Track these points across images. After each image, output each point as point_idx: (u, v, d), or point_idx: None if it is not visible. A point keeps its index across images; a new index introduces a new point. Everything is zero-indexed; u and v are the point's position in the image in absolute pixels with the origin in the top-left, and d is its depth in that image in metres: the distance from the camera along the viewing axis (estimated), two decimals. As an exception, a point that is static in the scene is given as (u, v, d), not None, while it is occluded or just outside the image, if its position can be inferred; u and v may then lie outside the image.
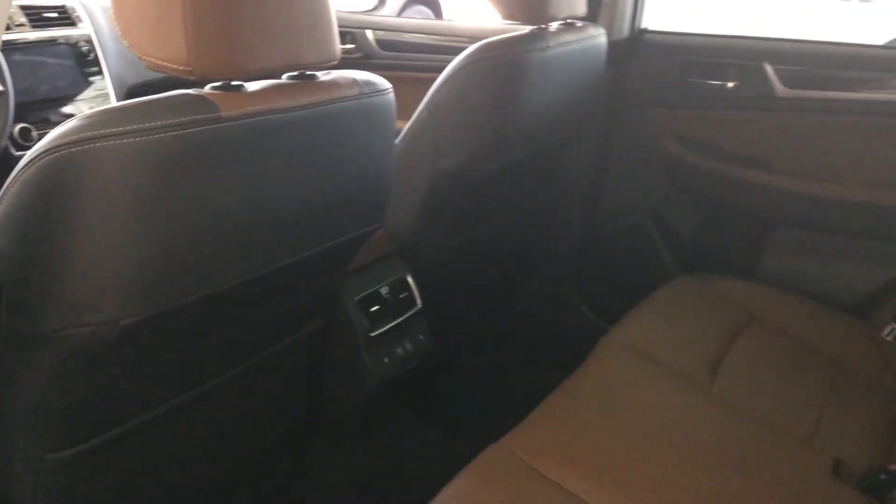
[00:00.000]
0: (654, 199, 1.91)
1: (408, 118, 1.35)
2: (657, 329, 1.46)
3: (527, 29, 1.37)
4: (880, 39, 4.68)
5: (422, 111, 1.34)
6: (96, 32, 1.58)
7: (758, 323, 1.54)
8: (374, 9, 2.76)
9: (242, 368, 1.10)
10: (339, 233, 1.03)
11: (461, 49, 1.30)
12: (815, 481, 1.13)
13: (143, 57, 0.77)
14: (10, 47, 1.40)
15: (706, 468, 1.11)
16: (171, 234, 0.77)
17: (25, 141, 1.39)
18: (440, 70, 1.33)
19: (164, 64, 0.76)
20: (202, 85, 0.82)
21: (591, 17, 1.69)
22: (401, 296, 1.40)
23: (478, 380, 1.93)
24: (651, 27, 1.87)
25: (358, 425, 1.46)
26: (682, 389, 1.30)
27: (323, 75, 0.94)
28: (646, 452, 1.12)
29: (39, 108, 1.45)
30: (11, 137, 1.36)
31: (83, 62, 1.55)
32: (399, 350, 1.39)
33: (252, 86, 0.85)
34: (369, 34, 2.16)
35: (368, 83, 0.98)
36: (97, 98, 1.57)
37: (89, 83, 1.56)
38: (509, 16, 1.36)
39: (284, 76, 0.91)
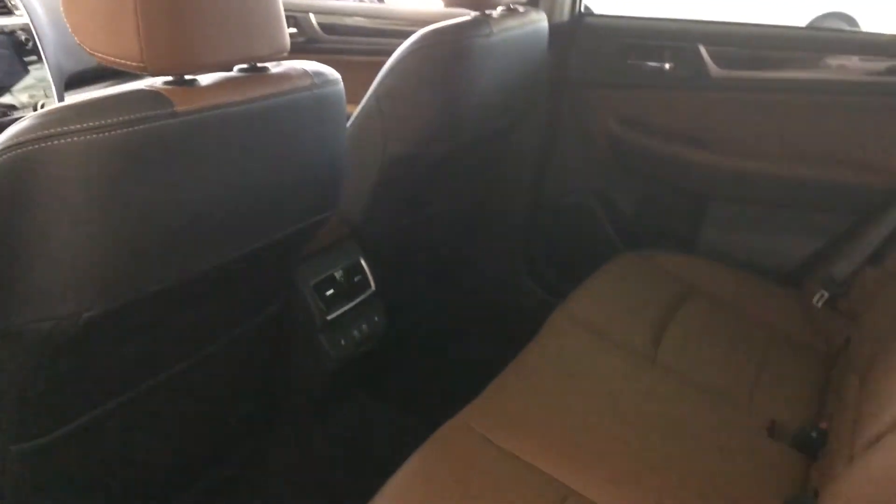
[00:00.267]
0: (598, 177, 1.97)
1: (352, 103, 1.37)
2: (603, 304, 1.52)
3: (470, 15, 1.40)
4: (803, 21, 4.87)
5: (370, 98, 1.36)
6: (33, 21, 1.55)
7: (697, 295, 1.62)
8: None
9: (202, 356, 1.12)
10: (294, 221, 1.05)
11: (404, 33, 1.32)
12: (753, 441, 1.21)
13: (95, 53, 0.78)
14: (-54, 38, 1.36)
15: (652, 434, 1.17)
16: (129, 229, 0.78)
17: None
18: (384, 53, 1.35)
19: (117, 60, 0.77)
20: (151, 75, 0.83)
21: (533, 1, 1.73)
22: (355, 279, 1.43)
23: (432, 358, 1.97)
24: (591, 11, 1.92)
25: (315, 406, 1.48)
26: (628, 360, 1.36)
27: (274, 67, 0.96)
28: (596, 421, 1.18)
29: (-22, 98, 1.42)
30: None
31: (21, 51, 1.51)
32: (355, 332, 1.42)
33: (205, 80, 0.86)
34: (312, 18, 2.16)
35: (319, 74, 1.00)
36: (36, 87, 1.54)
37: (28, 72, 1.53)
38: (453, 2, 1.39)
39: (235, 69, 0.92)
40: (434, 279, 1.96)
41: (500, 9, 1.49)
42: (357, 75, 1.47)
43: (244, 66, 0.92)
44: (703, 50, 1.78)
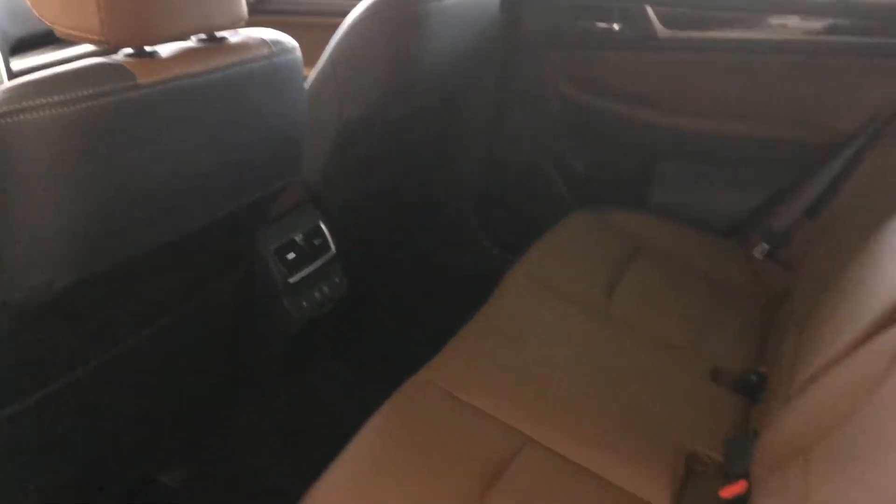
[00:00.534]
0: (551, 137, 2.01)
1: (308, 64, 1.38)
2: (557, 261, 1.57)
3: None
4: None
5: (325, 63, 1.37)
6: (-27, -16, 1.50)
7: (646, 250, 1.68)
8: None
9: (168, 322, 1.14)
10: (258, 188, 1.07)
11: None
12: (698, 386, 1.28)
13: (55, 27, 0.78)
14: None
15: (604, 382, 1.24)
16: (96, 200, 0.79)
17: None
18: (339, 14, 1.35)
19: (78, 34, 0.77)
20: (111, 47, 0.83)
21: (485, -37, 1.73)
22: (315, 242, 1.45)
23: (392, 317, 2.01)
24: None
25: (280, 367, 1.52)
26: (582, 315, 1.42)
27: (231, 36, 0.96)
28: (552, 374, 1.24)
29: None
30: None
31: (-37, 16, 1.48)
32: (317, 294, 1.45)
33: (165, 51, 0.87)
34: (265, -22, 2.13)
35: (277, 42, 1.01)
36: (-21, 52, 1.51)
37: (-30, 37, 1.49)
38: None
39: (194, 39, 0.93)
40: (393, 240, 1.99)
41: (452, -28, 1.50)
42: (313, 37, 1.47)
43: (202, 36, 0.93)
44: (650, 11, 1.82)
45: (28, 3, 0.79)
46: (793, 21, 1.83)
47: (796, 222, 1.69)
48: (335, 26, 1.35)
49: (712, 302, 1.54)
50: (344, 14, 1.34)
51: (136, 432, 1.26)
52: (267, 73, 0.98)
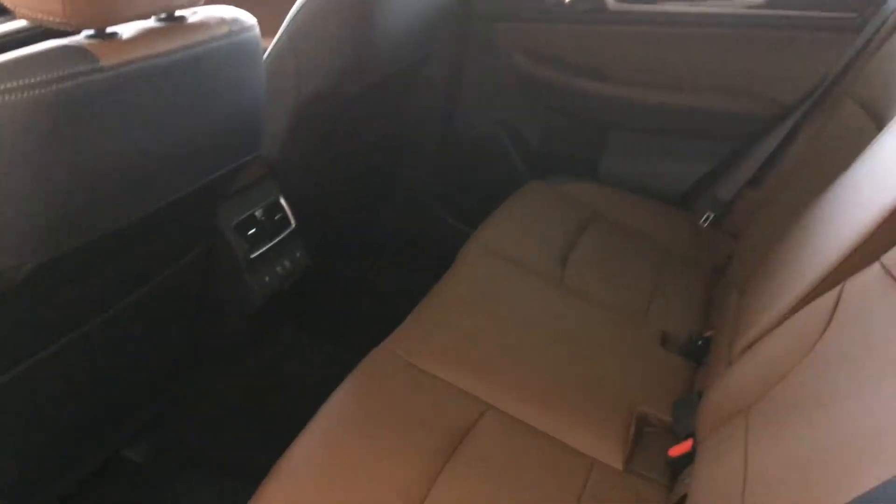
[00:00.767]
0: (505, 109, 2.04)
1: (267, 35, 1.37)
2: (513, 231, 1.61)
3: None
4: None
5: (282, 37, 1.37)
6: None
7: (599, 220, 1.74)
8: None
9: (133, 299, 1.15)
10: (220, 165, 1.08)
11: None
12: (648, 351, 1.35)
13: (18, 10, 0.78)
14: None
15: (561, 350, 1.29)
16: (64, 183, 0.80)
17: None
18: None
19: (41, 17, 0.77)
20: (73, 29, 0.83)
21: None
22: (275, 217, 1.46)
23: (353, 290, 2.04)
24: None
25: (242, 342, 1.53)
26: (538, 284, 1.47)
27: (191, 15, 0.97)
28: (510, 342, 1.28)
29: None
30: None
31: None
32: (278, 268, 1.47)
33: (126, 32, 0.87)
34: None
35: (236, 20, 1.01)
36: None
37: None
38: None
39: (153, 18, 0.93)
40: (352, 213, 2.01)
41: (408, -55, 1.50)
42: (271, 7, 1.47)
43: (162, 15, 0.93)
44: None
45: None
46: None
47: (740, 192, 1.76)
48: None
49: (662, 269, 1.60)
50: None
51: (105, 407, 1.28)
52: (227, 51, 0.99)
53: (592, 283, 1.50)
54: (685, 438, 1.09)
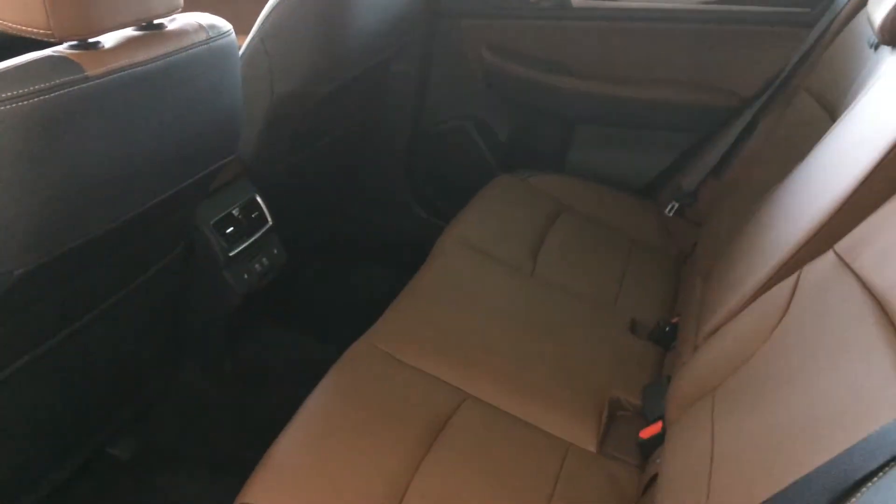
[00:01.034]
0: (474, 104, 2.07)
1: (241, 33, 1.38)
2: (485, 225, 1.65)
3: None
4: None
5: (254, 38, 1.38)
6: None
7: (568, 211, 1.78)
8: None
9: (114, 301, 1.17)
10: (201, 166, 1.11)
11: None
12: (618, 338, 1.40)
13: (1, 22, 0.79)
14: None
15: (535, 338, 1.34)
16: (52, 190, 0.82)
17: None
18: None
19: (24, 28, 0.79)
20: (57, 41, 0.85)
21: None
22: (252, 215, 1.48)
23: (332, 285, 2.06)
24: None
25: (224, 339, 1.55)
26: (510, 275, 1.51)
27: (169, 22, 0.99)
28: (486, 332, 1.32)
29: None
30: None
31: None
32: (257, 265, 1.49)
33: (108, 41, 0.89)
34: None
35: (213, 27, 1.04)
36: None
37: None
38: None
39: (132, 27, 0.95)
40: (327, 210, 2.03)
41: (376, -56, 1.53)
42: (244, 5, 1.48)
43: (142, 23, 0.95)
44: None
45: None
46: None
47: (703, 181, 1.82)
48: None
49: (630, 258, 1.65)
50: None
51: (89, 405, 1.29)
52: (206, 57, 1.02)
53: (563, 273, 1.55)
54: (655, 421, 1.14)
